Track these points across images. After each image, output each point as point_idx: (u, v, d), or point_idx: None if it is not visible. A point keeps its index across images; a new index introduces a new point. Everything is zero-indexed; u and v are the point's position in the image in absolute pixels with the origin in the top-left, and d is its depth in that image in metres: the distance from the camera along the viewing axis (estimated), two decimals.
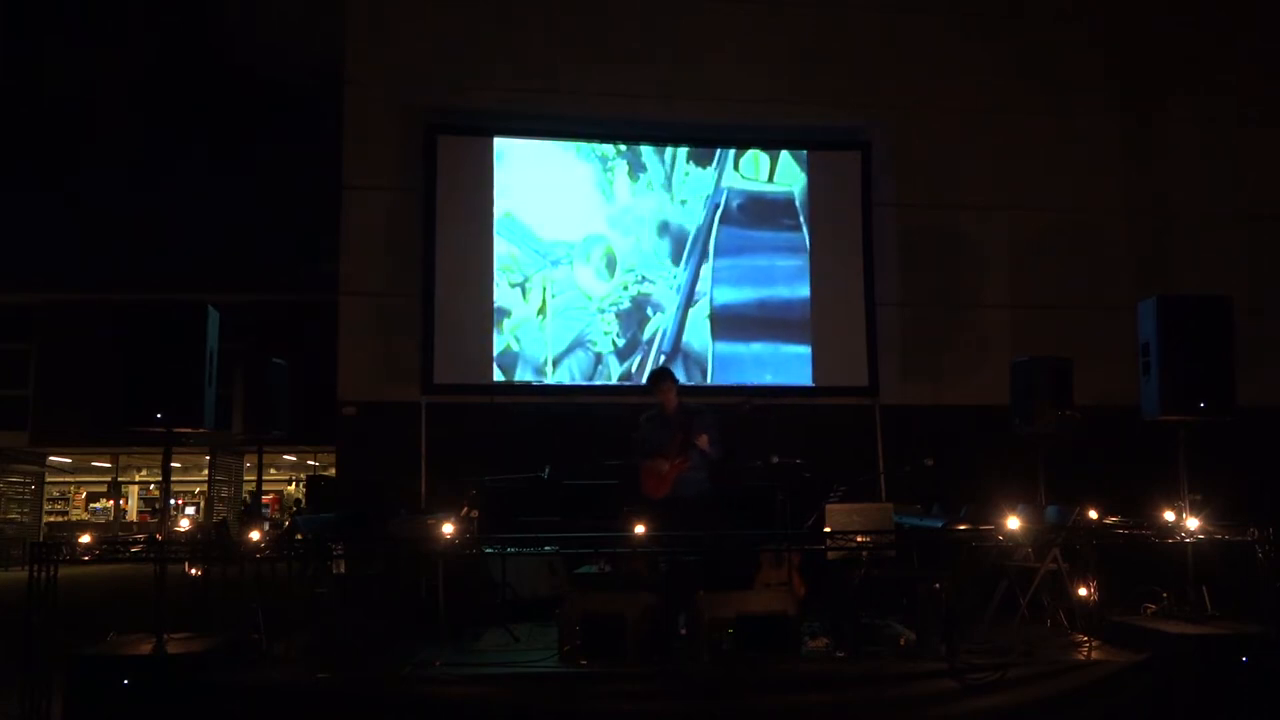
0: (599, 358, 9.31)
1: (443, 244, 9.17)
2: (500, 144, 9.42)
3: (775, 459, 6.72)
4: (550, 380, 9.22)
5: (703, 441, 6.36)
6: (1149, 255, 10.01)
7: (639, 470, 6.58)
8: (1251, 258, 10.07)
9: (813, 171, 9.73)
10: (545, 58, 9.61)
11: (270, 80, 18.16)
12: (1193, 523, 5.68)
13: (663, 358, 9.32)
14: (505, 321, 9.23)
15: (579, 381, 9.24)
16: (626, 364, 9.33)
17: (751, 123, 9.73)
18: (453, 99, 9.45)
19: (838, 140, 9.84)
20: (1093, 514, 6.32)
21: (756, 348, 9.47)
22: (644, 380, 9.17)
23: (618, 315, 9.38)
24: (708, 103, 9.68)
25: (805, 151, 9.75)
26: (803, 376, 9.46)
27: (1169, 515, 5.82)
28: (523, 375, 9.19)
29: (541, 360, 9.24)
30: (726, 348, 9.44)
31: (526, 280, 9.31)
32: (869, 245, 9.65)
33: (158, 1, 19.88)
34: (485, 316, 9.18)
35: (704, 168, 9.63)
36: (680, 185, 9.58)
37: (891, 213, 9.79)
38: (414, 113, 9.31)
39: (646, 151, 9.58)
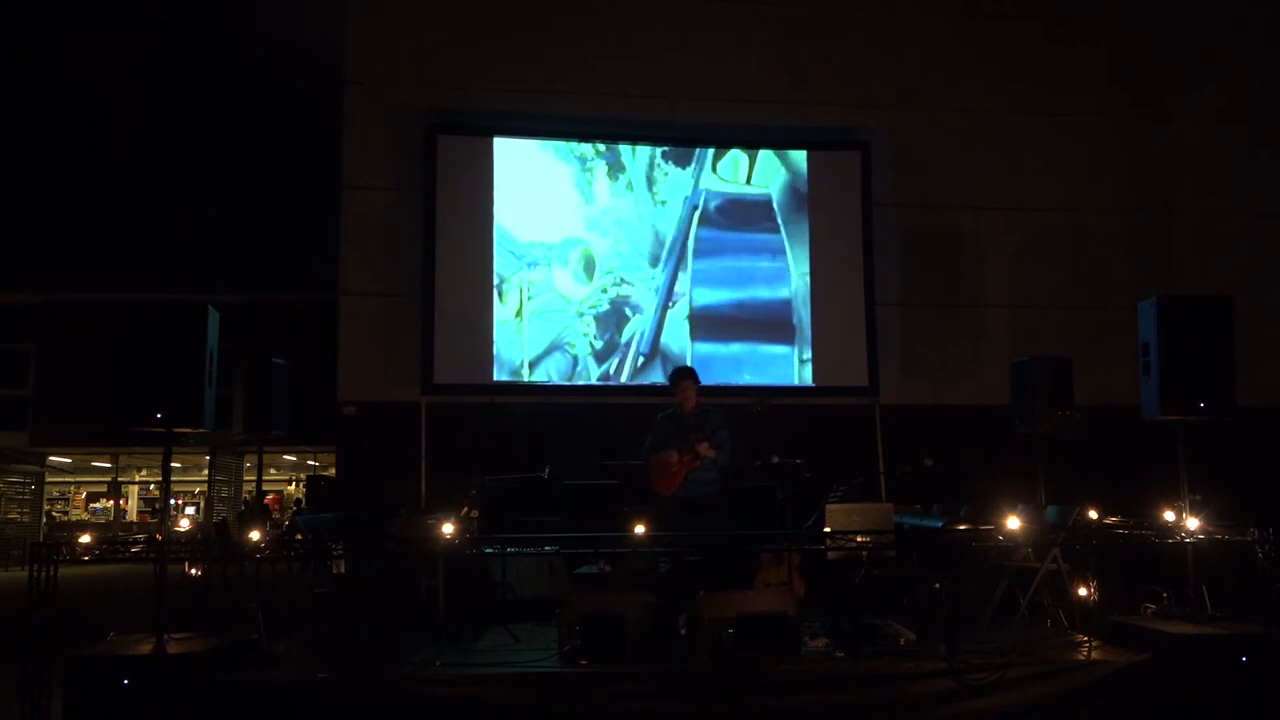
0: (576, 360, 9.26)
1: (443, 244, 9.16)
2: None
3: (775, 459, 6.72)
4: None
5: (704, 449, 6.34)
6: (1149, 255, 10.01)
7: (646, 467, 6.55)
8: (1251, 258, 10.07)
9: (812, 171, 9.71)
10: (545, 58, 9.62)
11: (271, 80, 18.20)
12: (1193, 523, 5.68)
13: (641, 359, 9.30)
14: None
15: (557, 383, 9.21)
16: (604, 366, 9.29)
17: (751, 122, 9.73)
18: (453, 99, 9.46)
19: (837, 140, 9.84)
20: (1093, 514, 6.32)
21: (735, 348, 9.43)
22: (623, 381, 9.21)
23: (596, 318, 9.33)
24: (708, 103, 9.68)
25: (789, 152, 9.72)
26: (782, 377, 9.42)
27: (1169, 515, 5.83)
28: (499, 378, 9.13)
29: (518, 363, 9.18)
30: (705, 348, 9.39)
31: (503, 282, 9.25)
32: (869, 245, 9.65)
33: (160, 2, 19.91)
34: (485, 317, 9.17)
35: (683, 168, 9.59)
36: (660, 186, 9.55)
37: (891, 213, 9.79)
38: (414, 113, 9.32)
39: (625, 152, 9.53)
